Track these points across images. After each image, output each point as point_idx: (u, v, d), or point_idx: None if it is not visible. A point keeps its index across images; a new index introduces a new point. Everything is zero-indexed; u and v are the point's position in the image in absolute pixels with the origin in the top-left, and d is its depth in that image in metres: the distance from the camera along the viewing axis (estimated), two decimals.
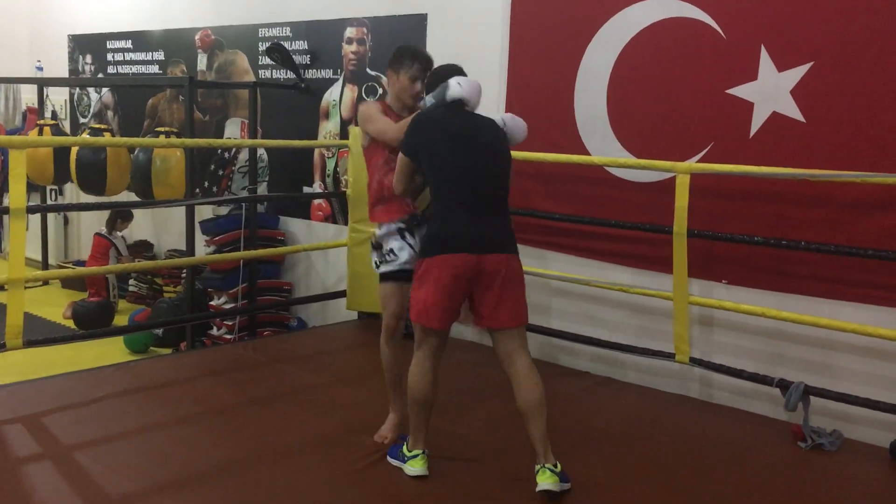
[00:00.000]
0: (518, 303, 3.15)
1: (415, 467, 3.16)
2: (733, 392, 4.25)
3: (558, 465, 3.02)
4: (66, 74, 8.39)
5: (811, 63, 3.87)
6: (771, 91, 3.99)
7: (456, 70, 3.36)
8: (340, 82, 5.97)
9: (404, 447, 3.25)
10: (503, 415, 3.78)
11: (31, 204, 4.64)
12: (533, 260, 4.96)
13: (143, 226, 7.72)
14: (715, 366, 4.17)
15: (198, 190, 6.60)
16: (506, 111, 4.92)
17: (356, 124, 5.80)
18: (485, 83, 4.97)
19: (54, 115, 7.74)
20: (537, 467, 3.02)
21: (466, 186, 3.12)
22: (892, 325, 3.67)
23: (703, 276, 4.26)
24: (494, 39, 5.01)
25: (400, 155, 3.26)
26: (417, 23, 5.43)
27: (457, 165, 3.12)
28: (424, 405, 3.18)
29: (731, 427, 3.96)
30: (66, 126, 8.25)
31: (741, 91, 4.10)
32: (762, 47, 4.00)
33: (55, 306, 7.08)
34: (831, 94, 3.83)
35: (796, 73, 3.91)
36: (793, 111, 3.94)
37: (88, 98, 8.20)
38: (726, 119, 4.15)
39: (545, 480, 2.98)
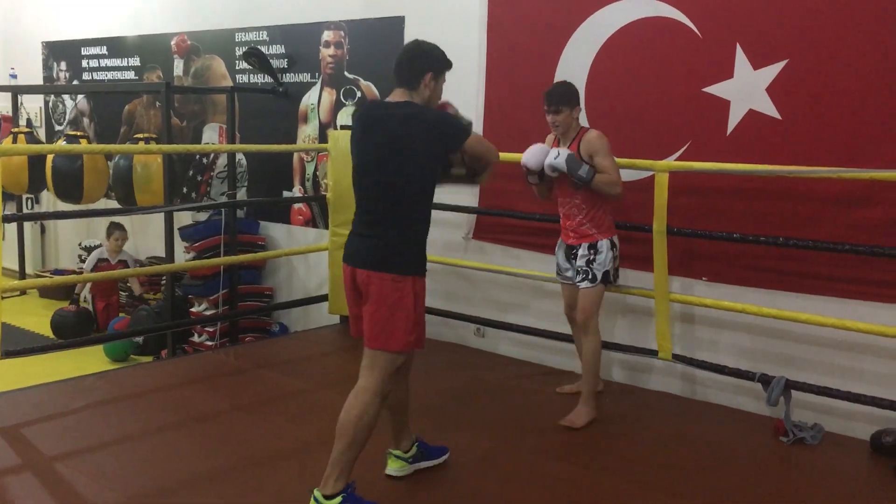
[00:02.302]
0: (376, 325, 2.85)
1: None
2: (715, 388, 4.28)
3: (326, 495, 2.77)
4: (40, 81, 8.30)
5: (786, 61, 3.91)
6: (747, 89, 4.02)
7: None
8: (318, 86, 5.95)
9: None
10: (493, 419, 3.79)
11: (6, 213, 4.59)
12: (511, 260, 4.98)
13: None
14: (697, 362, 4.20)
15: (177, 198, 6.55)
16: (484, 112, 4.94)
17: (335, 128, 5.79)
18: (463, 85, 5.05)
19: (29, 123, 7.67)
20: (315, 490, 2.80)
21: (358, 189, 2.96)
22: (871, 319, 3.71)
23: (684, 274, 4.29)
24: (472, 41, 5.01)
25: None
26: (395, 25, 5.42)
27: (355, 164, 2.97)
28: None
29: (714, 423, 3.98)
30: (42, 134, 8.17)
31: (717, 89, 4.13)
32: (737, 45, 4.03)
33: (33, 316, 7.00)
34: (806, 91, 3.87)
35: (771, 71, 3.95)
36: (769, 108, 3.97)
37: (64, 105, 8.12)
38: (703, 117, 4.18)
39: None
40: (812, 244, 3.81)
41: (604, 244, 3.86)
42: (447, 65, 3.05)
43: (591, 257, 3.85)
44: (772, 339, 4.09)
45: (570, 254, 3.99)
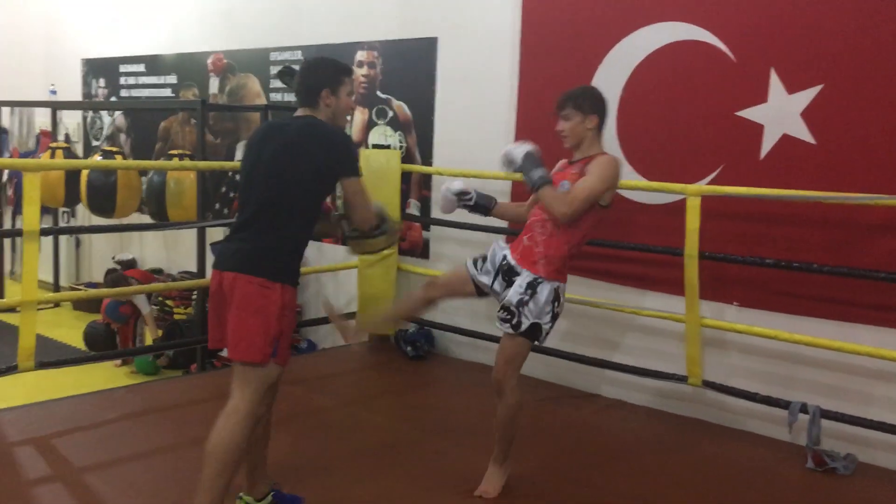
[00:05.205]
0: (237, 332, 2.70)
1: None
2: (746, 415, 4.22)
3: None
4: (79, 98, 8.47)
5: (821, 85, 3.88)
6: (781, 113, 4.00)
7: None
8: None
9: None
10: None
11: (43, 226, 4.67)
12: None
13: (154, 248, 7.75)
14: (727, 388, 4.14)
15: (209, 213, 6.63)
16: (516, 133, 4.95)
17: (367, 146, 5.84)
18: (495, 106, 5.09)
19: (67, 139, 7.81)
20: None
21: (241, 196, 2.87)
22: None
23: (715, 298, 4.25)
24: (504, 62, 5.04)
25: None
26: (428, 46, 5.47)
27: (243, 171, 2.89)
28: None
29: (743, 450, 3.93)
30: (80, 149, 8.31)
31: (751, 113, 4.10)
32: (772, 69, 4.01)
33: (66, 328, 7.10)
34: (842, 117, 3.83)
35: (806, 96, 3.92)
36: (803, 133, 3.94)
37: (101, 121, 8.27)
38: (736, 141, 4.15)
39: None
40: (846, 271, 3.76)
41: (545, 289, 3.12)
42: (344, 73, 2.92)
43: (526, 299, 3.11)
44: (804, 367, 4.02)
45: (505, 270, 3.24)
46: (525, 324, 3.10)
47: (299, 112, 2.91)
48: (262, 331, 2.68)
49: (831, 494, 3.46)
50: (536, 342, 3.18)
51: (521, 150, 3.18)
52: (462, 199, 3.51)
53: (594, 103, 3.24)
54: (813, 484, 3.55)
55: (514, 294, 3.13)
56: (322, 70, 2.90)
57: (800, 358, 4.02)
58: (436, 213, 5.47)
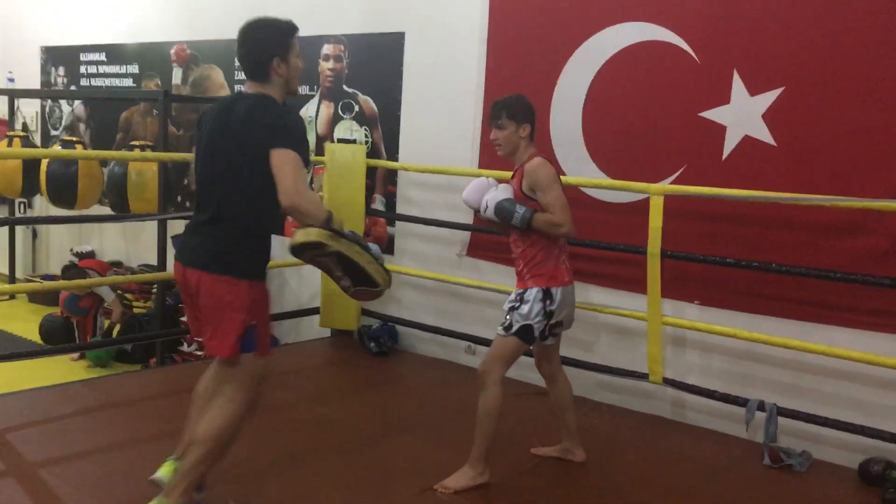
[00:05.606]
0: (207, 330, 2.69)
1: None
2: (705, 412, 4.27)
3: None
4: (38, 86, 8.30)
5: (782, 88, 3.93)
6: (743, 115, 4.05)
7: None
8: (317, 99, 5.96)
9: None
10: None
11: None
12: (505, 278, 4.96)
13: (114, 240, 7.63)
14: (687, 386, 4.19)
15: (171, 206, 6.54)
16: (481, 131, 4.96)
17: (332, 141, 5.80)
18: (462, 101, 5.09)
19: (25, 127, 7.65)
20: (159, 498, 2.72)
21: (197, 183, 2.78)
22: (861, 347, 3.71)
23: (676, 297, 4.29)
24: (472, 58, 5.04)
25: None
26: (395, 41, 5.44)
27: (197, 156, 2.76)
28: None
29: (703, 447, 3.98)
30: (37, 138, 8.15)
31: (714, 114, 4.15)
32: (734, 71, 4.06)
33: (22, 321, 6.96)
34: (802, 119, 3.89)
35: (768, 98, 3.97)
36: (764, 135, 4.00)
37: (60, 110, 8.11)
38: (699, 141, 4.20)
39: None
40: (804, 271, 3.82)
41: (532, 293, 3.23)
42: (290, 33, 2.72)
43: (516, 304, 3.26)
44: (761, 365, 4.09)
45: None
46: (515, 326, 3.23)
47: (248, 88, 2.73)
48: (231, 328, 2.64)
49: (788, 490, 3.52)
50: (533, 342, 3.29)
51: (490, 203, 3.25)
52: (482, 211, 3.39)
53: (525, 112, 3.31)
54: (770, 480, 3.61)
55: (506, 303, 3.32)
56: (267, 37, 2.70)
57: (758, 356, 4.08)
58: (401, 208, 5.46)
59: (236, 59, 2.85)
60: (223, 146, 2.65)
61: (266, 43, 2.69)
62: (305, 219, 2.56)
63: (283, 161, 2.54)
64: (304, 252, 2.67)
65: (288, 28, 2.73)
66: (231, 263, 2.65)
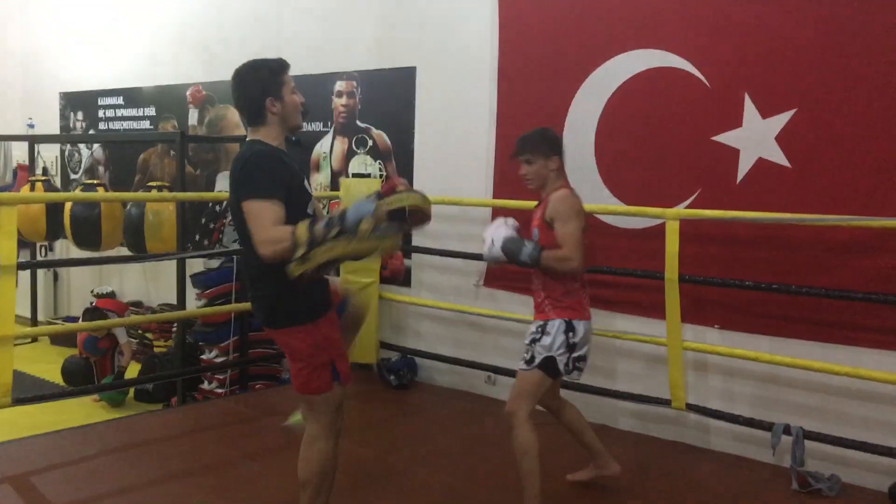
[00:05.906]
0: (291, 371, 2.82)
1: None
2: (729, 438, 4.22)
3: None
4: (57, 131, 8.43)
5: (794, 110, 3.93)
6: (756, 137, 4.05)
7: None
8: (331, 135, 6.02)
9: None
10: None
11: (21, 260, 4.63)
12: (522, 307, 4.95)
13: (135, 280, 7.69)
14: (711, 411, 4.15)
15: (189, 245, 6.60)
16: (495, 161, 4.98)
17: (346, 176, 5.84)
18: (474, 133, 5.12)
19: (45, 172, 7.76)
20: None
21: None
22: (886, 367, 3.67)
23: (696, 322, 4.27)
24: (483, 89, 5.08)
25: None
26: (407, 76, 5.50)
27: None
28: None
29: (730, 473, 3.93)
30: (58, 182, 8.27)
31: (727, 138, 4.15)
32: (746, 95, 4.07)
33: (44, 363, 7.00)
34: (815, 140, 3.89)
35: (780, 120, 3.98)
36: (778, 157, 3.99)
37: (79, 154, 8.23)
38: (713, 165, 4.20)
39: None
40: (824, 292, 3.79)
41: (554, 325, 3.20)
42: (280, 71, 2.71)
43: (537, 336, 3.22)
44: (785, 388, 4.04)
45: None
46: (538, 358, 3.19)
47: (248, 134, 2.73)
48: (305, 369, 2.74)
49: None
50: (557, 375, 3.24)
51: (496, 244, 3.24)
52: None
53: (552, 145, 3.32)
54: None
55: (527, 335, 3.27)
56: (258, 78, 2.68)
57: (781, 379, 4.04)
58: (417, 240, 5.48)
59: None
60: (233, 202, 2.65)
61: (257, 85, 2.68)
62: (287, 254, 2.47)
63: (248, 215, 2.55)
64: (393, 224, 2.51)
65: (278, 66, 2.72)
66: (281, 316, 2.70)
